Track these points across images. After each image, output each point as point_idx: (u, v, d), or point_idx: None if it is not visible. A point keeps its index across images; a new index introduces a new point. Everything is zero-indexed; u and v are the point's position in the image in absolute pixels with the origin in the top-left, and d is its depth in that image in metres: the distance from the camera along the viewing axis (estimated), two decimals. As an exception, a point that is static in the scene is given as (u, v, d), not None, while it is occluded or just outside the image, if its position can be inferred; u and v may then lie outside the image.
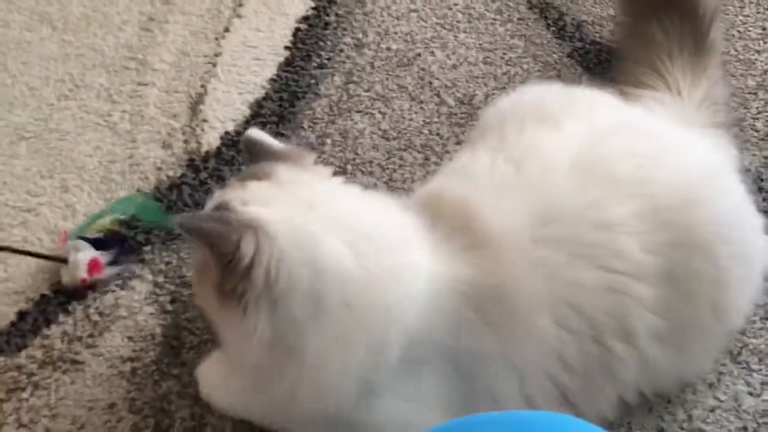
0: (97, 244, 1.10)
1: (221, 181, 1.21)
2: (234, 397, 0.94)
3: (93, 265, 1.08)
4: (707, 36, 1.20)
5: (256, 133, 0.91)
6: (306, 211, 0.82)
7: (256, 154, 0.89)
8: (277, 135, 1.28)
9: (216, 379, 0.96)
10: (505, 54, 1.40)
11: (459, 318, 0.84)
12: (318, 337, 0.80)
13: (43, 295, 1.08)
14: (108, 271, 1.10)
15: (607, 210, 0.88)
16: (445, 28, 1.44)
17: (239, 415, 0.94)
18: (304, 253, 0.79)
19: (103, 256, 1.10)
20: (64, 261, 1.09)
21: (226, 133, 1.28)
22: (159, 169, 1.23)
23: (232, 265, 0.78)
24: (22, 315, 1.06)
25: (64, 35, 1.42)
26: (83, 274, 1.07)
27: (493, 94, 1.32)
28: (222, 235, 0.78)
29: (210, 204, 0.86)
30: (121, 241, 1.13)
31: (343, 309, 0.80)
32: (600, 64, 1.38)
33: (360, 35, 1.43)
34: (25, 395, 0.99)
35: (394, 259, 0.84)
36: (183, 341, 1.04)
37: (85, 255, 1.08)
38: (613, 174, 0.90)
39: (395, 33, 1.43)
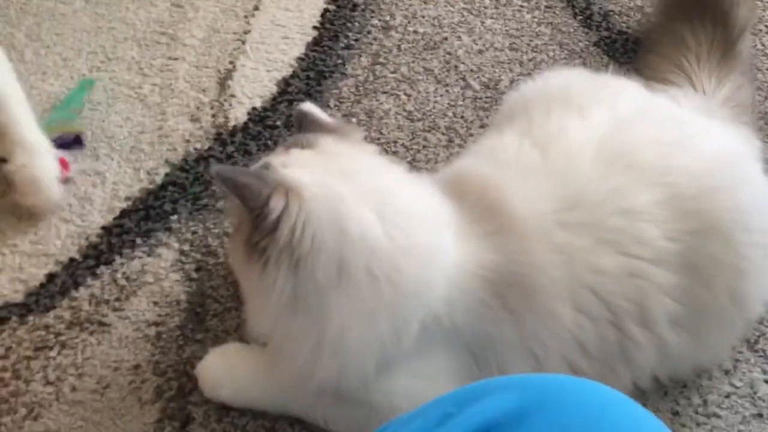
0: (58, 144, 1.19)
1: (247, 155, 1.23)
2: (239, 386, 0.96)
3: (62, 165, 1.17)
4: (735, 46, 1.21)
5: (307, 106, 0.95)
6: (342, 180, 0.84)
7: (306, 126, 0.91)
8: (304, 113, 1.30)
9: (218, 372, 0.97)
10: (531, 41, 1.41)
11: (479, 304, 0.86)
12: (340, 304, 0.82)
13: (71, 259, 1.10)
14: (74, 168, 1.19)
15: (630, 197, 0.89)
16: (472, 14, 1.45)
17: (246, 405, 0.96)
18: (332, 218, 0.81)
19: (67, 155, 1.19)
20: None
21: (254, 108, 1.30)
22: (187, 141, 1.25)
23: (260, 219, 0.80)
24: (51, 277, 1.09)
25: (97, 8, 1.44)
26: (59, 175, 1.15)
27: (519, 79, 1.33)
28: (253, 189, 0.80)
29: (254, 166, 0.88)
30: (77, 139, 1.23)
31: (367, 278, 0.81)
32: (626, 54, 1.38)
33: (387, 18, 1.44)
34: (52, 354, 1.01)
35: (424, 237, 0.85)
36: (207, 308, 1.06)
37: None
38: (636, 162, 0.91)
39: (423, 16, 1.44)
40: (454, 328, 0.86)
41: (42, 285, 1.08)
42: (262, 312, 0.86)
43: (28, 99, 1.19)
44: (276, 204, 0.80)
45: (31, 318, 1.04)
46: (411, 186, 0.90)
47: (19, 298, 1.06)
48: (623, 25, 1.43)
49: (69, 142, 1.22)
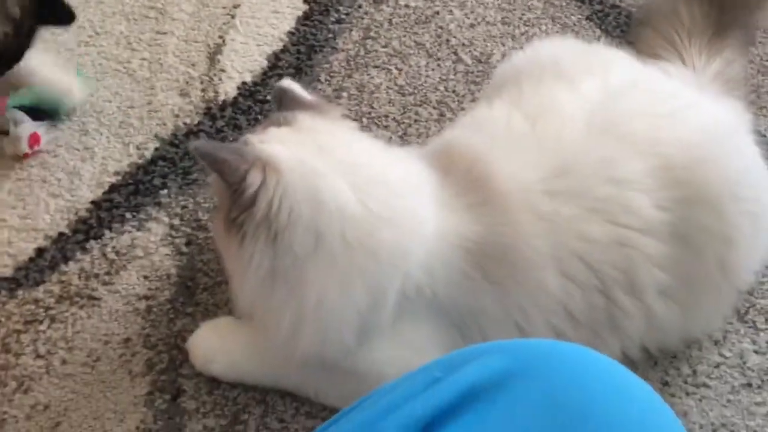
0: (33, 113, 1.18)
1: (237, 129, 1.22)
2: (230, 360, 0.96)
3: (34, 139, 1.16)
4: (731, 27, 1.19)
5: (287, 83, 0.94)
6: (318, 154, 0.84)
7: (286, 103, 0.91)
8: (294, 87, 1.29)
9: (209, 346, 0.97)
10: (523, 14, 1.40)
11: (461, 275, 0.86)
12: (317, 274, 0.82)
13: (61, 233, 1.10)
14: (45, 140, 1.18)
15: (620, 166, 0.89)
16: (464, -13, 1.44)
17: (237, 379, 0.96)
18: (307, 190, 0.81)
19: (41, 128, 1.18)
20: (5, 133, 1.17)
21: (243, 83, 1.29)
22: (176, 116, 1.24)
23: (238, 194, 0.81)
24: (40, 251, 1.08)
25: (85, -17, 1.42)
26: (26, 149, 1.15)
27: (511, 53, 1.32)
28: (231, 164, 0.81)
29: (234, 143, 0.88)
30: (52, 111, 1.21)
31: (342, 246, 0.82)
32: (618, 27, 1.38)
33: (379, -9, 1.43)
34: (42, 327, 1.01)
35: (400, 206, 0.86)
36: (198, 282, 1.06)
37: (24, 129, 1.16)
38: (627, 132, 0.91)
39: (414, -10, 1.43)
40: (436, 299, 0.86)
41: (31, 259, 1.07)
42: (244, 286, 0.86)
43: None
44: (253, 179, 0.81)
45: (20, 292, 1.04)
46: (388, 158, 0.90)
47: (8, 272, 1.06)
48: (616, -2, 1.42)
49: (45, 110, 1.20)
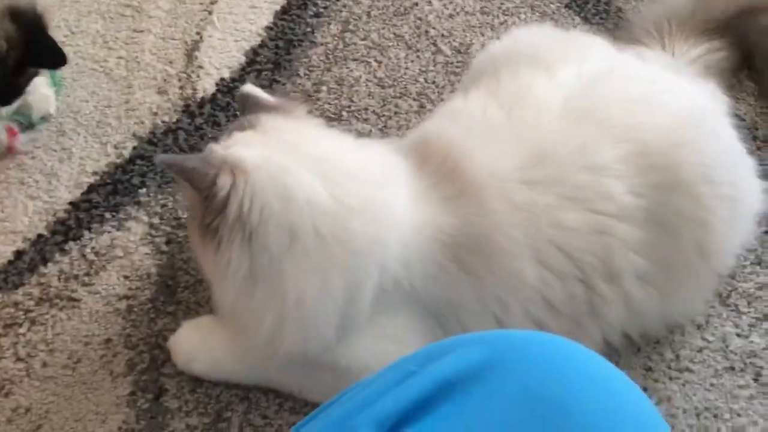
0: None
1: (216, 126, 1.22)
2: (213, 359, 0.96)
3: (11, 132, 1.16)
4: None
5: (248, 88, 0.94)
6: (284, 151, 0.84)
7: (249, 107, 0.92)
8: (273, 82, 1.28)
9: (191, 345, 0.97)
10: (502, 4, 1.39)
11: (438, 268, 0.86)
12: (294, 270, 0.82)
13: (39, 235, 1.09)
14: (23, 139, 1.18)
15: (596, 153, 0.89)
16: (442, -22, 1.44)
17: (219, 377, 0.96)
18: (276, 187, 0.81)
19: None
20: None
21: (222, 79, 1.28)
22: (155, 114, 1.24)
23: (209, 199, 0.81)
24: (19, 254, 1.07)
25: (60, -18, 1.41)
26: (5, 141, 1.15)
27: (490, 43, 1.31)
28: (200, 171, 0.81)
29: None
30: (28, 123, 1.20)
31: (316, 240, 0.82)
32: (597, 14, 1.37)
33: (357, -16, 1.42)
34: (22, 331, 1.00)
35: (372, 197, 0.86)
36: (178, 281, 1.05)
37: None
38: (603, 118, 0.91)
39: (392, -18, 1.43)
40: (415, 291, 0.86)
41: (10, 262, 1.07)
42: (224, 290, 0.86)
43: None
44: (223, 182, 0.81)
45: (-1, 296, 1.04)
46: (360, 151, 0.90)
47: (-14, 276, 1.05)
48: (594, -15, 1.42)
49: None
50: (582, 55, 1.00)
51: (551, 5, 1.39)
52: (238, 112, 1.21)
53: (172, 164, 0.84)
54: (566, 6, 1.39)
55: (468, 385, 0.54)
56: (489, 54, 1.08)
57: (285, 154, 0.84)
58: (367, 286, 0.84)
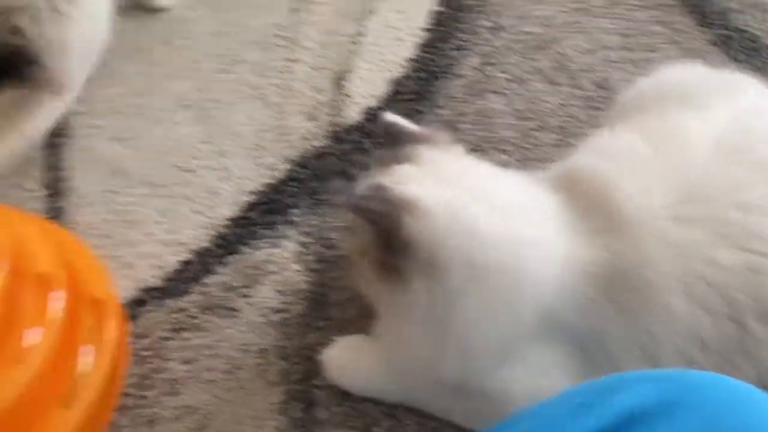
0: None
1: (363, 152, 1.28)
2: (363, 377, 1.01)
3: None
4: None
5: (391, 116, 0.96)
6: (454, 186, 0.87)
7: (395, 136, 0.95)
8: (416, 112, 1.33)
9: (343, 361, 1.02)
10: (644, 40, 1.40)
11: (588, 301, 0.87)
12: (466, 303, 0.85)
13: (204, 248, 1.18)
14: None
15: (750, 191, 0.88)
16: (582, 13, 1.46)
17: (368, 394, 1.01)
18: (457, 226, 0.84)
19: None
20: None
21: (369, 108, 1.35)
22: (306, 138, 1.31)
23: (392, 239, 0.84)
24: (185, 264, 1.16)
25: (219, 14, 1.52)
26: None
27: (632, 79, 1.32)
28: (385, 214, 0.84)
29: (362, 187, 0.89)
30: None
31: (491, 274, 0.84)
32: (744, 51, 1.36)
33: (497, 18, 1.47)
34: (187, 335, 1.09)
35: (535, 227, 0.88)
36: (328, 298, 1.11)
37: None
38: (756, 157, 0.90)
39: (533, 17, 1.46)
40: (563, 323, 0.88)
41: (177, 271, 1.15)
42: (397, 323, 0.90)
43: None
44: (408, 224, 0.83)
45: (168, 301, 1.12)
46: (513, 182, 0.93)
47: (158, 282, 1.15)
48: (741, 22, 1.40)
49: None
50: (733, 94, 0.99)
51: (695, 42, 1.39)
52: (381, 140, 1.27)
53: (360, 208, 0.86)
54: (711, 43, 1.38)
55: (651, 422, 0.55)
56: (637, 90, 1.09)
57: (456, 190, 0.87)
58: (529, 317, 0.86)
